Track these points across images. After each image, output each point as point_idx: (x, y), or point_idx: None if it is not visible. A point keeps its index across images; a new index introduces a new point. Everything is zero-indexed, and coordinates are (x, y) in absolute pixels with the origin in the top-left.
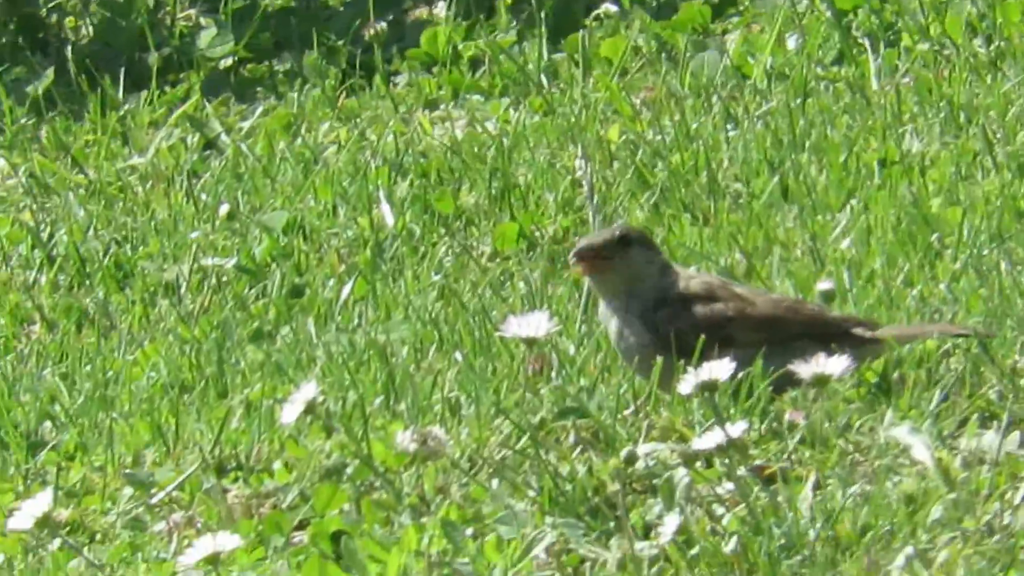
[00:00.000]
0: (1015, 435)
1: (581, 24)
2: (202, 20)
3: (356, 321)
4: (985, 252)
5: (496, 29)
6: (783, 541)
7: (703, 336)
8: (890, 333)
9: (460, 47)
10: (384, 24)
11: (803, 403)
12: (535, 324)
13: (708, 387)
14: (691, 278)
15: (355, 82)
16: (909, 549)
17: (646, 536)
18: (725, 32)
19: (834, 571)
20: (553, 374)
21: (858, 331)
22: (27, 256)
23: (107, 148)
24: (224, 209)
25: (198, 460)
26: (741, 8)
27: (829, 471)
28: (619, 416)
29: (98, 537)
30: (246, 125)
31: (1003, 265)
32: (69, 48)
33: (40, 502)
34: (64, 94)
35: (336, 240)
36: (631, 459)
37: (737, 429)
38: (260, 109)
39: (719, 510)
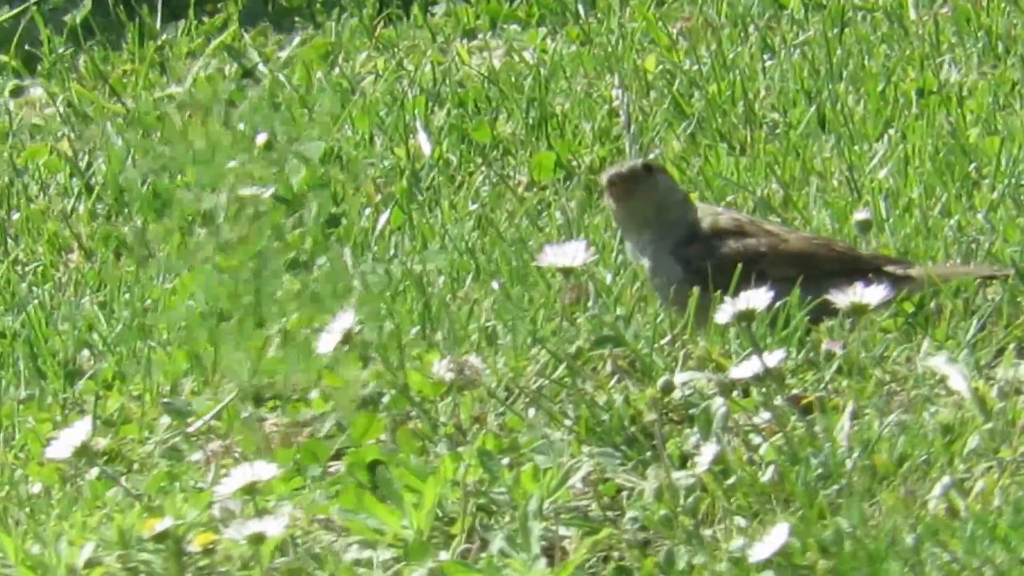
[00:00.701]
0: None
1: None
2: None
3: (392, 251)
4: (1023, 182)
5: None
6: (820, 471)
7: (739, 267)
8: (924, 272)
9: None
10: None
11: (840, 333)
12: (572, 253)
13: (745, 316)
14: (719, 214)
15: (393, 11)
16: (946, 479)
17: (683, 465)
18: None
19: (871, 501)
20: (590, 303)
21: (890, 268)
22: (65, 185)
23: (145, 78)
24: (261, 139)
25: (236, 389)
26: None
27: (866, 401)
28: (656, 345)
29: (136, 466)
30: (283, 55)
31: None
32: None
33: (78, 431)
34: (102, 23)
35: (373, 170)
36: (668, 388)
37: (774, 358)
38: (298, 39)
39: (756, 440)
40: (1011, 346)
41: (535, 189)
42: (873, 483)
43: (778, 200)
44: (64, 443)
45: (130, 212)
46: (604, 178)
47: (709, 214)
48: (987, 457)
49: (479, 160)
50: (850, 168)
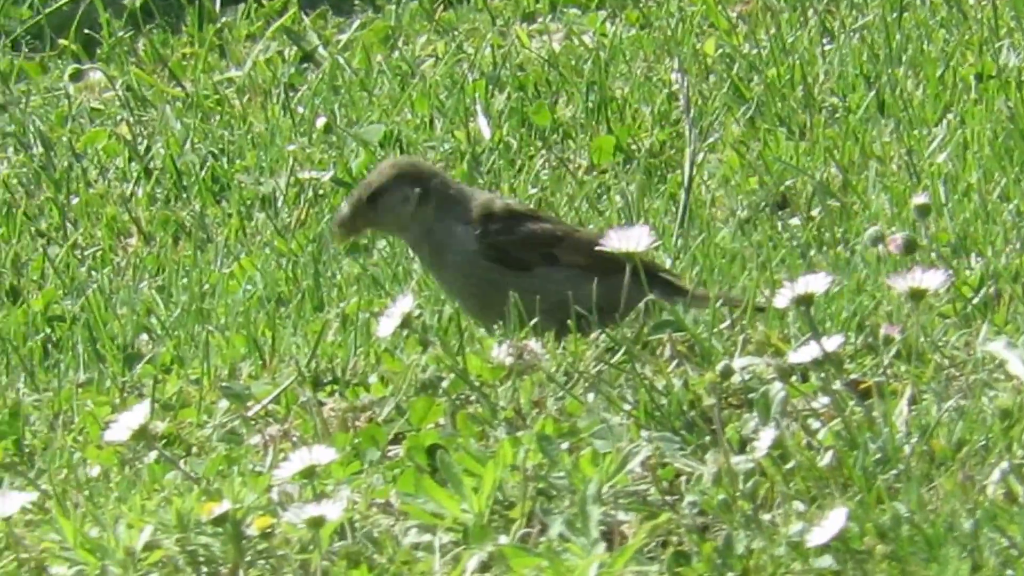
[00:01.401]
0: None
1: None
2: None
3: None
4: None
5: None
6: (878, 455)
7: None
8: (695, 292)
9: None
10: None
11: (899, 317)
12: (636, 238)
13: (803, 300)
14: (506, 199)
15: None
16: (1004, 464)
17: (742, 450)
18: None
19: (929, 486)
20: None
21: (667, 277)
22: (124, 169)
23: (204, 61)
24: (321, 122)
25: (294, 373)
26: None
27: (924, 386)
28: (715, 330)
29: (194, 450)
30: (343, 38)
31: None
32: None
33: (137, 414)
34: (161, 7)
35: (433, 153)
36: (727, 373)
37: (833, 343)
38: (357, 22)
39: (814, 424)
40: None
41: (595, 173)
42: (931, 468)
43: (837, 184)
44: (123, 426)
45: (189, 196)
46: (333, 224)
47: (496, 197)
48: None
49: (539, 143)
50: (909, 152)
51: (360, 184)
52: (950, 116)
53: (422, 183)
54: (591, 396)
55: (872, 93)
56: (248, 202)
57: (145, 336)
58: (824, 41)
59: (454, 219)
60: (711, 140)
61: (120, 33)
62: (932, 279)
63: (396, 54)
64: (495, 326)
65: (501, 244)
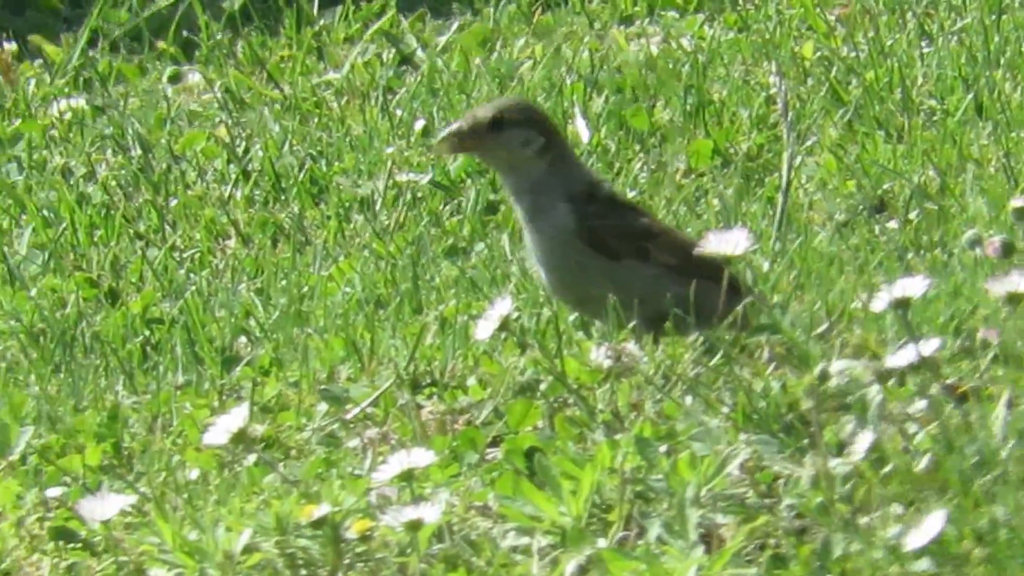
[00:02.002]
0: None
1: None
2: None
3: None
4: None
5: None
6: (976, 459)
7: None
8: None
9: None
10: None
11: (996, 321)
12: (734, 241)
13: (901, 304)
14: (612, 187)
15: None
16: None
17: (839, 453)
18: None
19: None
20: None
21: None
22: (222, 171)
23: (302, 63)
24: (419, 125)
25: (393, 376)
26: None
27: (1022, 390)
28: (813, 333)
29: (293, 453)
30: (442, 40)
31: None
32: None
33: (235, 417)
34: (260, 9)
35: None
36: (824, 376)
37: (930, 347)
38: (456, 24)
39: (912, 428)
40: None
41: (692, 176)
42: None
43: (935, 187)
44: (221, 429)
45: (287, 198)
46: (447, 129)
47: (595, 179)
48: None
49: (637, 147)
50: (1007, 155)
51: (484, 105)
52: None
53: (548, 135)
54: (689, 399)
55: (970, 96)
56: (346, 204)
57: (244, 339)
58: (922, 44)
59: (561, 188)
60: (809, 143)
61: (219, 35)
62: None
63: (494, 57)
64: (567, 304)
65: (597, 228)
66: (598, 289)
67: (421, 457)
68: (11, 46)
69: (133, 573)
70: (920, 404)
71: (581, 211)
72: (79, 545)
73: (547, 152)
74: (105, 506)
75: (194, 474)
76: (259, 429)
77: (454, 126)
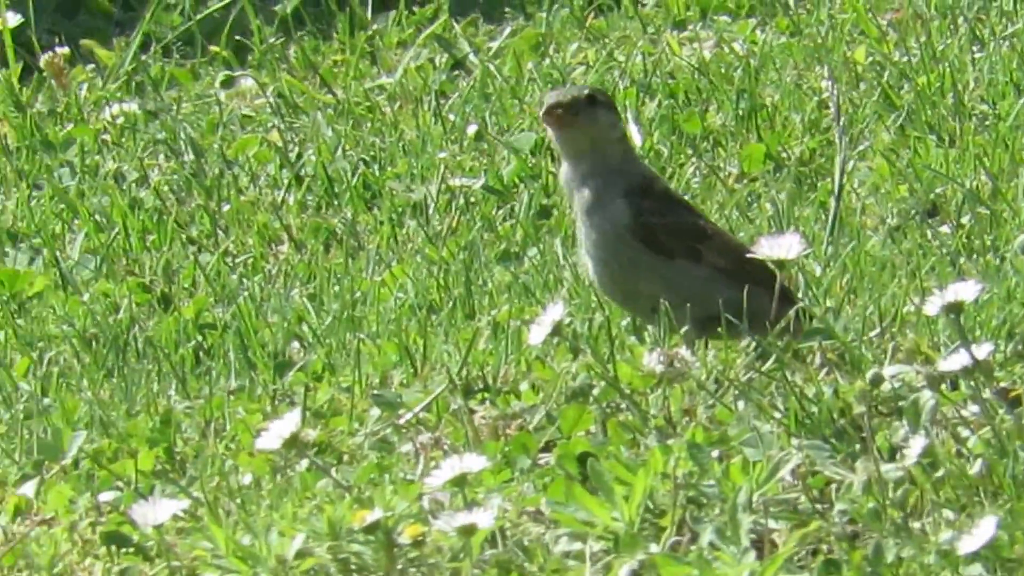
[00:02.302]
0: None
1: None
2: None
3: None
4: None
5: None
6: None
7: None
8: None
9: None
10: None
11: None
12: (787, 245)
13: (953, 308)
14: (666, 184)
15: (603, 2)
16: None
17: (891, 458)
18: None
19: None
20: (799, 294)
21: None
22: (275, 176)
23: (355, 68)
24: (472, 129)
25: (445, 381)
26: None
27: None
28: (865, 337)
29: (345, 458)
30: (494, 45)
31: None
32: None
33: (288, 422)
34: (312, 14)
35: None
36: (877, 381)
37: (983, 351)
38: (508, 29)
39: (964, 432)
40: None
41: (745, 180)
42: None
43: (987, 192)
44: (274, 434)
45: (340, 203)
46: (544, 103)
47: (651, 175)
48: None
49: (689, 151)
50: None
51: (568, 86)
52: None
53: (623, 126)
54: (741, 404)
55: (1022, 100)
56: (399, 209)
57: (296, 344)
58: (974, 48)
59: (622, 183)
60: (861, 148)
61: (271, 40)
62: None
63: (547, 61)
64: (613, 300)
65: (651, 225)
66: (647, 286)
67: (473, 462)
68: (63, 50)
69: None
70: (973, 408)
71: (636, 206)
72: (131, 550)
73: (625, 140)
74: (158, 511)
75: (247, 479)
76: (311, 434)
77: (552, 99)
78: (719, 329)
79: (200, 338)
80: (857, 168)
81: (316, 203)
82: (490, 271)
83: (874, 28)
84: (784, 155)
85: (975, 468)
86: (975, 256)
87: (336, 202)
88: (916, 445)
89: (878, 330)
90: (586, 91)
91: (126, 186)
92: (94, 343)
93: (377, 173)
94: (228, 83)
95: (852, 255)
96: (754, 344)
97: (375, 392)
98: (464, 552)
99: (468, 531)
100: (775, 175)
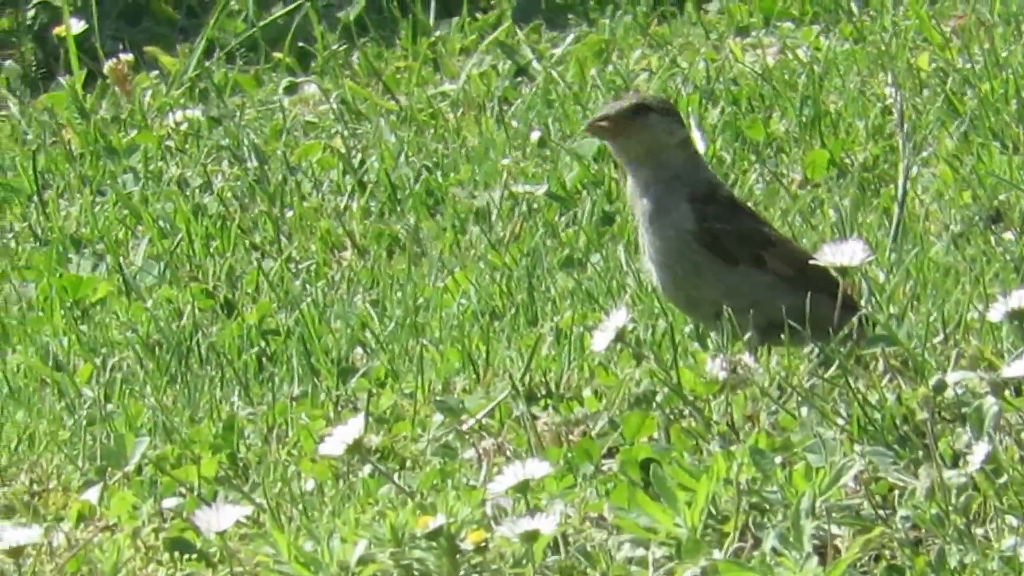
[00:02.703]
0: None
1: None
2: None
3: None
4: None
5: None
6: None
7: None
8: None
9: None
10: None
11: None
12: (850, 252)
13: (1017, 315)
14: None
15: (666, 9)
16: None
17: (955, 464)
18: None
19: None
20: (863, 301)
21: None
22: (338, 182)
23: (418, 74)
24: (535, 136)
25: (508, 387)
26: None
27: None
28: (928, 344)
29: (408, 464)
30: (557, 52)
31: None
32: None
33: (351, 428)
34: (376, 20)
35: None
36: (940, 387)
37: None
38: (571, 36)
39: None
40: None
41: (808, 187)
42: None
43: None
44: (337, 440)
45: (403, 210)
46: (595, 116)
47: (716, 181)
48: None
49: (753, 157)
50: None
51: (625, 93)
52: None
53: (685, 132)
54: (804, 410)
55: None
56: (462, 216)
57: (359, 350)
58: None
59: (686, 189)
60: (925, 154)
61: (334, 46)
62: None
63: (610, 68)
64: (676, 305)
65: (716, 232)
66: (710, 292)
67: (537, 468)
68: (127, 57)
69: None
70: None
71: (701, 212)
72: (195, 556)
73: (685, 148)
74: (221, 517)
75: (310, 485)
76: (375, 440)
77: (601, 112)
78: (782, 336)
79: (263, 344)
80: (920, 174)
81: (379, 209)
82: (553, 277)
83: (937, 35)
84: (847, 161)
85: None
86: None
87: (399, 208)
88: (979, 451)
89: (941, 336)
90: (635, 100)
91: (189, 192)
92: (157, 349)
93: (440, 179)
94: (291, 89)
95: (915, 262)
96: (817, 351)
97: (438, 398)
98: (527, 558)
99: (531, 537)
100: (838, 181)
